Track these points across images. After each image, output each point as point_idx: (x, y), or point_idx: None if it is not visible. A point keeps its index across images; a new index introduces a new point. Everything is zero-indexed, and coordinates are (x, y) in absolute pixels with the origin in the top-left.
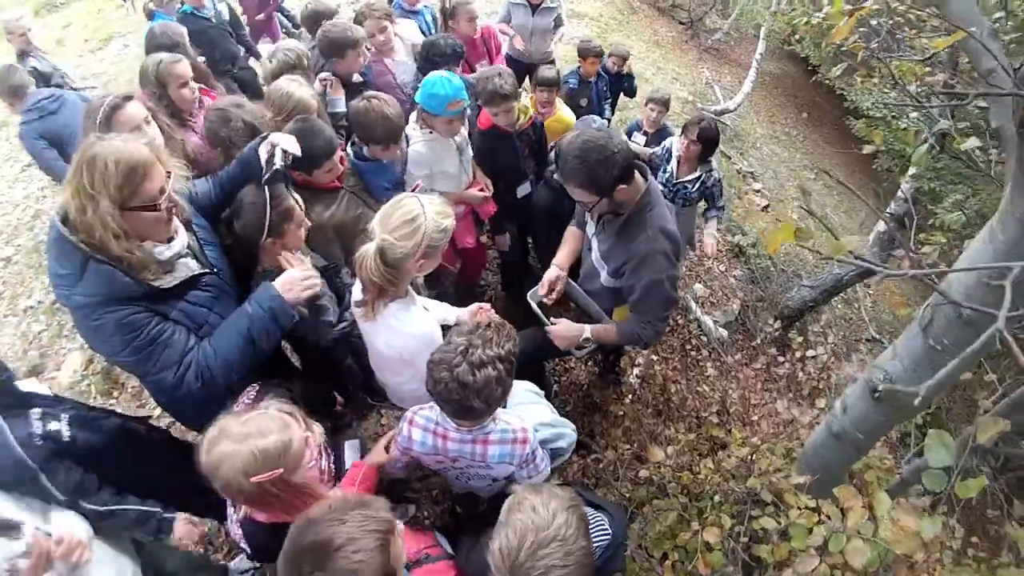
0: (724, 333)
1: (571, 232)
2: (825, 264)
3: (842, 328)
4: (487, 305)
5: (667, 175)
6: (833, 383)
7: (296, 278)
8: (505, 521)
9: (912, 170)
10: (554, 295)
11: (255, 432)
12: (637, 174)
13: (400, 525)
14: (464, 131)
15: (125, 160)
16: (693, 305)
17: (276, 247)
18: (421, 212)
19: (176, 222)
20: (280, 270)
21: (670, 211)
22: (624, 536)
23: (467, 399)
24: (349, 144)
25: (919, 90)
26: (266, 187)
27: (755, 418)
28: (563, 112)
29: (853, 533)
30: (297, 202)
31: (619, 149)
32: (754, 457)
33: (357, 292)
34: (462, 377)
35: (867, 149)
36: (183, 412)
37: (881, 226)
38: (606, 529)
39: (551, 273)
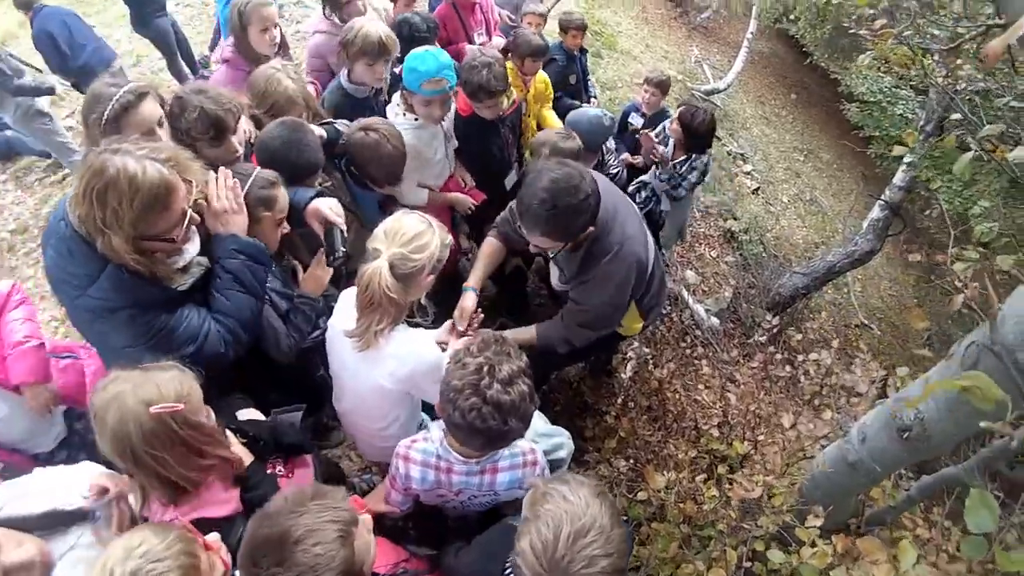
0: (716, 322)
1: (489, 246)
2: (816, 249)
3: (832, 314)
4: (468, 307)
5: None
6: (837, 388)
7: (319, 272)
8: (533, 515)
9: (908, 158)
10: (475, 325)
11: (155, 371)
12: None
13: (367, 518)
14: (449, 117)
15: (143, 194)
16: (685, 294)
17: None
18: (428, 226)
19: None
20: None
21: (662, 196)
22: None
23: (504, 423)
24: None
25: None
26: (257, 168)
27: (760, 436)
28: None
29: None
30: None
31: (591, 191)
32: (766, 494)
33: (347, 322)
34: (496, 398)
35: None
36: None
37: (875, 212)
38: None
39: (467, 303)
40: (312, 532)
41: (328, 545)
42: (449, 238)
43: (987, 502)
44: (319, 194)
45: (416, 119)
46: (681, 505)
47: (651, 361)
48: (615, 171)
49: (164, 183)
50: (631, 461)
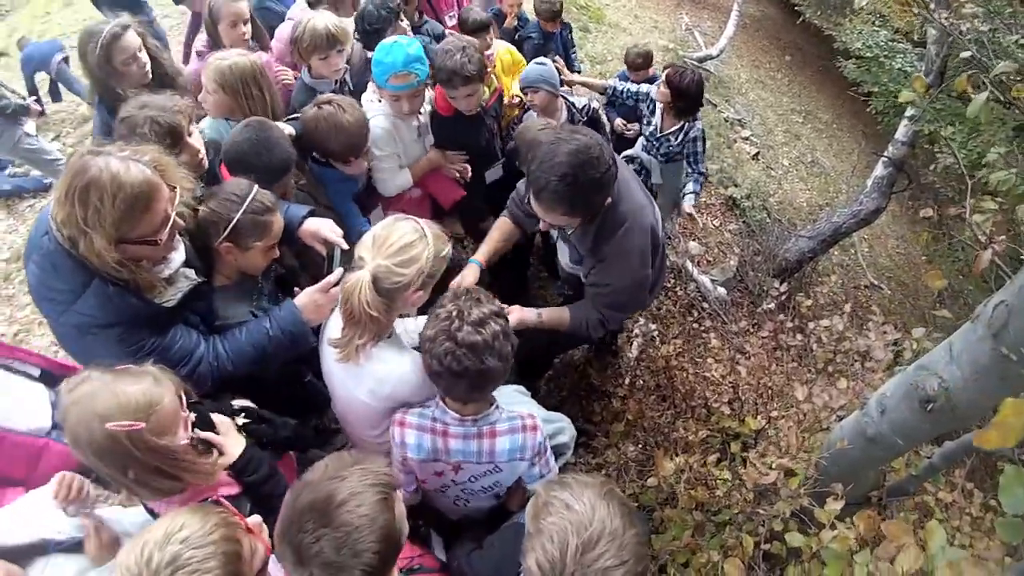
0: (723, 292)
1: (503, 224)
2: (820, 211)
3: (840, 276)
4: (469, 281)
5: (652, 128)
6: (851, 354)
7: (322, 301)
8: (536, 530)
9: (909, 112)
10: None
11: (126, 376)
12: None
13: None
14: (425, 111)
15: (125, 192)
16: (690, 266)
17: (231, 256)
18: (421, 235)
19: (176, 235)
20: (243, 285)
21: (652, 169)
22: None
23: (481, 361)
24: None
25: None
26: (256, 185)
27: (773, 411)
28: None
29: None
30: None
31: (611, 160)
32: (782, 478)
33: (334, 330)
34: (468, 340)
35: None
36: None
37: (879, 170)
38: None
39: (468, 277)
40: (355, 495)
41: (371, 507)
42: (447, 248)
43: None
44: (312, 212)
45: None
46: (692, 492)
47: (657, 338)
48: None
49: (147, 182)
50: (640, 445)
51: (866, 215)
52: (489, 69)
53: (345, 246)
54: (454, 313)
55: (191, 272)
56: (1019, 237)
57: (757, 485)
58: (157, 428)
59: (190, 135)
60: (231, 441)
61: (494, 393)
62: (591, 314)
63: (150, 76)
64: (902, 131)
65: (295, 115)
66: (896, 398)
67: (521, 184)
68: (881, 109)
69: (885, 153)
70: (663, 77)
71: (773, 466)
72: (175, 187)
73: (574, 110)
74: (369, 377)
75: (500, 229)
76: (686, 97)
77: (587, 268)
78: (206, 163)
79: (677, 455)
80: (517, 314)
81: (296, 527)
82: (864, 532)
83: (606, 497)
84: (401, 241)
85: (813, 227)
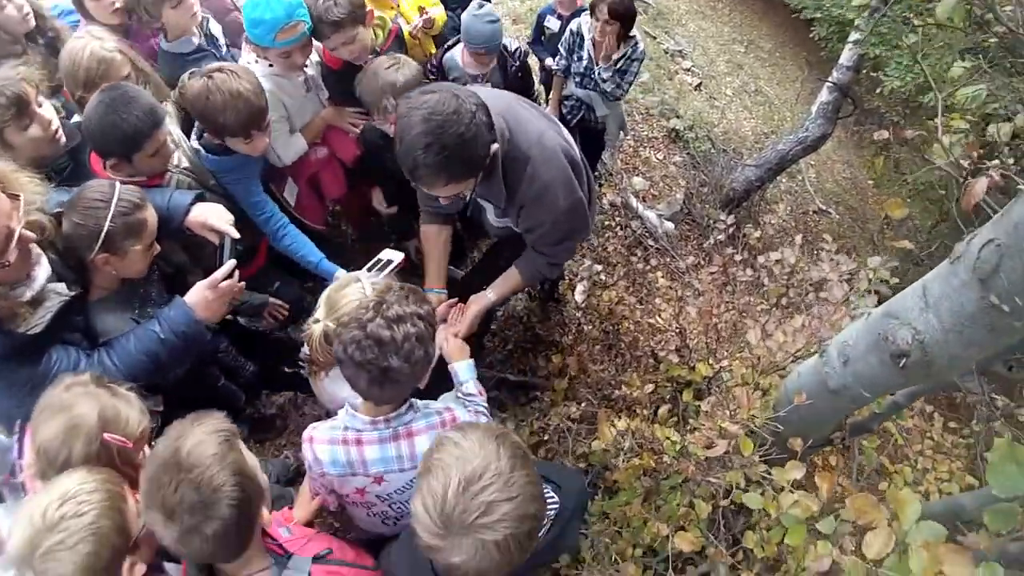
0: (671, 227)
1: (430, 235)
2: (765, 139)
3: (788, 204)
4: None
5: (584, 62)
6: (804, 286)
7: (212, 297)
8: (423, 470)
9: (854, 36)
10: (467, 323)
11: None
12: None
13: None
14: (314, 59)
15: None
16: (634, 201)
17: (108, 267)
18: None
19: (34, 250)
20: (124, 293)
21: (595, 104)
22: (580, 506)
23: (386, 356)
24: (194, 133)
25: None
26: (117, 183)
27: (724, 360)
28: None
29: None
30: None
31: (474, 105)
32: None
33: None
34: (377, 333)
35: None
36: None
37: (824, 96)
38: (553, 499)
39: (472, 308)
40: (199, 443)
41: (216, 447)
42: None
43: (1017, 455)
44: (199, 197)
45: (271, 64)
46: (639, 459)
47: (603, 278)
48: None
49: None
50: (583, 405)
51: (812, 141)
52: (370, 7)
53: (235, 234)
54: (373, 304)
55: (61, 287)
56: (989, 161)
57: (706, 460)
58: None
59: (40, 106)
60: None
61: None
62: (537, 260)
63: (31, 24)
64: (846, 55)
65: None
66: (861, 348)
67: None
68: (824, 35)
69: (830, 78)
70: (606, 13)
71: (725, 429)
72: (18, 196)
73: (507, 54)
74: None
75: (431, 241)
76: (630, 19)
77: (514, 218)
78: (62, 137)
79: (622, 414)
80: (473, 307)
81: (155, 488)
82: (827, 494)
83: (497, 439)
84: (347, 308)
85: (759, 156)
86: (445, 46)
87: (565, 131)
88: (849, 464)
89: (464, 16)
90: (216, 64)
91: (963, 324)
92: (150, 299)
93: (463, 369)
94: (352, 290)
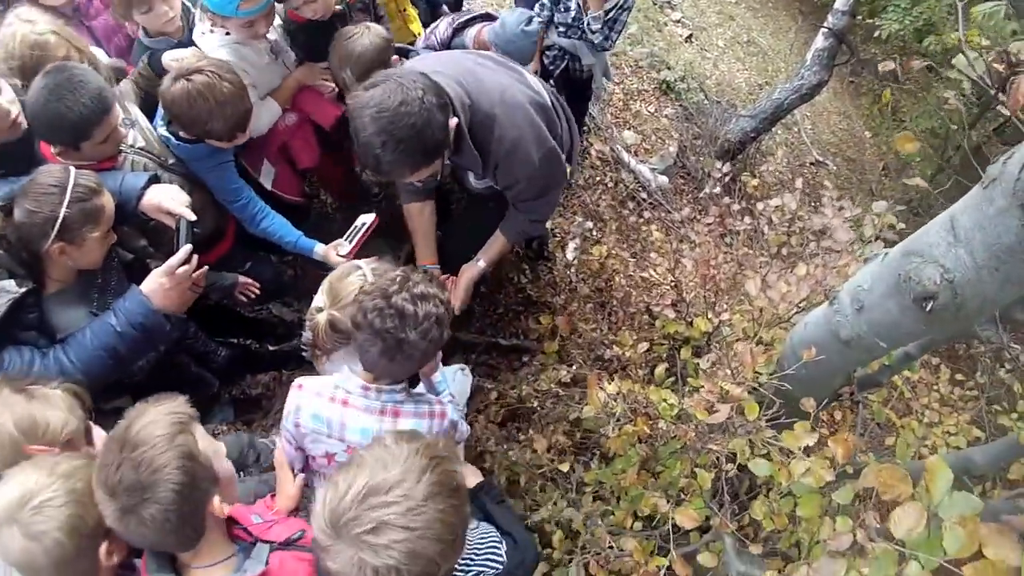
0: (664, 180)
1: (413, 212)
2: (760, 90)
3: (785, 155)
4: None
5: (572, 12)
6: (807, 234)
7: (169, 284)
8: (347, 460)
9: None
10: (461, 294)
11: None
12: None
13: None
14: (276, 23)
15: None
16: (625, 156)
17: (64, 257)
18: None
19: None
20: (81, 285)
21: (581, 53)
22: (526, 570)
23: (403, 329)
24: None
25: None
26: (72, 168)
27: (724, 314)
28: None
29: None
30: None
31: (423, 87)
32: (735, 412)
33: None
34: (401, 305)
35: None
36: None
37: (819, 42)
38: (498, 556)
39: (463, 277)
40: (151, 422)
41: (166, 427)
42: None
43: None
44: (153, 178)
45: (227, 32)
46: (631, 426)
47: (595, 235)
48: None
49: None
50: (573, 368)
51: (808, 89)
52: None
53: (192, 216)
54: (399, 278)
55: (9, 284)
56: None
57: (706, 425)
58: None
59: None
60: None
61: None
62: (519, 219)
63: None
64: (841, 0)
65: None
66: (878, 293)
67: None
68: None
69: (825, 24)
70: None
71: (727, 392)
72: None
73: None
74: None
75: (415, 218)
76: None
77: (492, 179)
78: (23, 122)
79: (616, 376)
80: (465, 277)
81: (101, 464)
82: (843, 459)
83: (429, 462)
84: (352, 295)
85: (754, 106)
86: (455, 24)
87: (532, 79)
88: (854, 420)
89: (509, 23)
90: (190, 62)
91: (1000, 259)
92: (109, 289)
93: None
94: (354, 278)
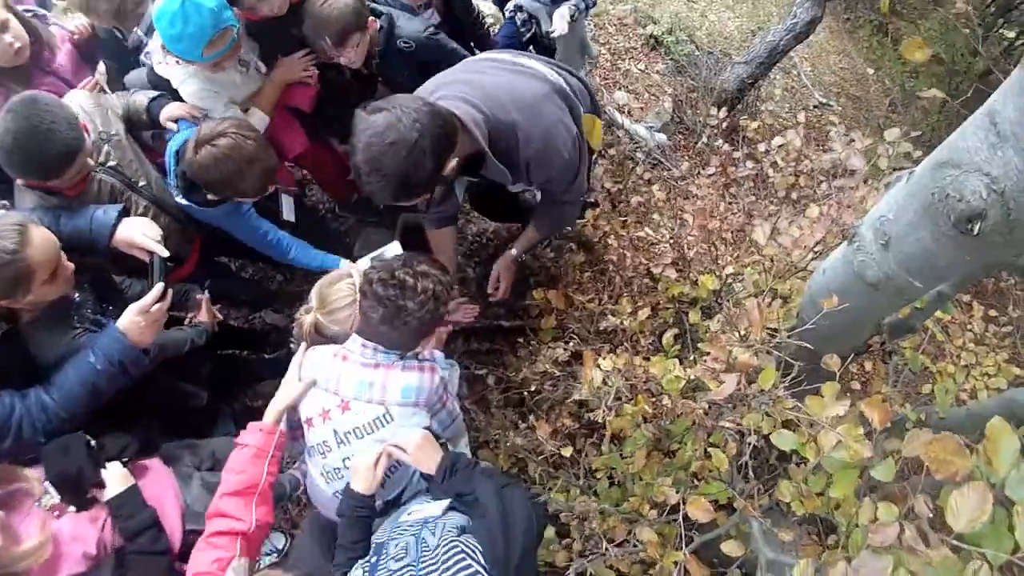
0: (662, 138)
1: (436, 239)
2: (752, 37)
3: (786, 99)
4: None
5: None
6: (816, 174)
7: (144, 323)
8: None
9: None
10: (504, 284)
11: None
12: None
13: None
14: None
15: None
16: (619, 117)
17: (19, 306)
18: (355, 296)
19: None
20: (55, 307)
21: (540, 17)
22: (524, 533)
23: (403, 297)
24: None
25: None
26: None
27: (729, 268)
28: None
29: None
30: None
31: (419, 131)
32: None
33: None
34: (402, 277)
35: None
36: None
37: None
38: (466, 561)
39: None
40: None
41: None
42: None
43: None
44: (122, 213)
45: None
46: (630, 405)
47: (592, 202)
48: None
49: None
50: (571, 344)
51: (802, 27)
52: None
53: (164, 252)
54: (405, 259)
55: None
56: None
57: (711, 403)
58: None
59: None
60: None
61: None
62: (552, 210)
63: None
64: None
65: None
66: (907, 221)
67: None
68: None
69: None
70: None
71: (735, 358)
72: None
73: None
74: None
75: (438, 243)
76: None
77: (526, 180)
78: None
79: (619, 349)
80: (503, 267)
81: None
82: (880, 426)
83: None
84: (340, 302)
85: (748, 51)
86: None
87: (535, 63)
88: (886, 371)
89: None
90: (210, 125)
91: None
92: (87, 305)
93: None
94: (343, 285)
